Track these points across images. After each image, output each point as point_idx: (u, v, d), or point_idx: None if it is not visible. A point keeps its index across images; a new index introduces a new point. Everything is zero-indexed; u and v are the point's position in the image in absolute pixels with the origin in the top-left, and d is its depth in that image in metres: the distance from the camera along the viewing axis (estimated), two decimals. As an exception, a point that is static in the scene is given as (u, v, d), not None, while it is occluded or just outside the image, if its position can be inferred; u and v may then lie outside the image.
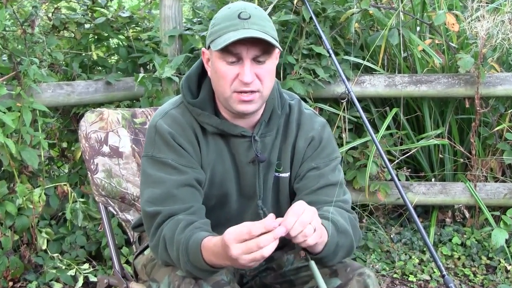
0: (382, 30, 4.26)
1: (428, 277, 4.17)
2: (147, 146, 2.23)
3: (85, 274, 3.89)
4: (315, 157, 2.30)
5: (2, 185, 3.87)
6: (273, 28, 2.11)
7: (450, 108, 4.48)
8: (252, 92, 2.09)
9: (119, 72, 4.52)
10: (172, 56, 4.35)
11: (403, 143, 4.53)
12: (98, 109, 2.91)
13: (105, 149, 2.81)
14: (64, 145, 4.63)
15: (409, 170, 4.51)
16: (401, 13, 4.27)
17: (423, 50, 4.41)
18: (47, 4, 4.38)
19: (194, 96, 2.25)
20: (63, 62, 4.52)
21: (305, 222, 1.82)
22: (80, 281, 3.86)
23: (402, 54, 4.49)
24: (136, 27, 4.81)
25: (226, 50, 2.04)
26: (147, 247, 2.48)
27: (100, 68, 4.72)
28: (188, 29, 4.53)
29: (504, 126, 4.30)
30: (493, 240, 4.10)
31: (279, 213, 2.23)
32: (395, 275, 4.21)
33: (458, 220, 4.63)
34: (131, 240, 2.89)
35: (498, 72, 4.24)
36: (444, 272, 3.00)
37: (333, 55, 3.76)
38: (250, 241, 1.75)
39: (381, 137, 4.28)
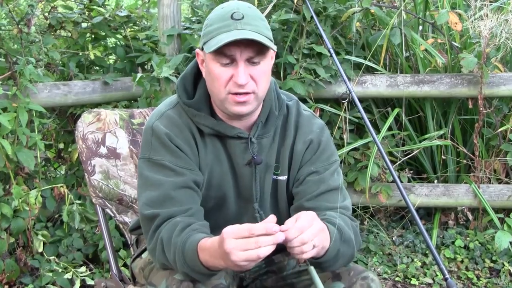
0: (384, 29, 4.23)
1: (430, 281, 4.13)
2: (144, 148, 2.21)
3: (82, 278, 3.86)
4: (314, 160, 2.28)
5: (-2, 187, 3.84)
6: (267, 28, 2.09)
7: (453, 109, 4.46)
8: (247, 93, 2.06)
9: (116, 72, 4.51)
10: (171, 55, 4.33)
11: (405, 144, 4.50)
12: (96, 109, 2.90)
13: (103, 150, 2.80)
14: (61, 146, 4.61)
15: (411, 171, 4.50)
16: (403, 12, 4.23)
17: (426, 50, 4.38)
18: (43, 3, 4.35)
19: (190, 97, 2.23)
20: (60, 62, 4.50)
21: (305, 240, 1.81)
22: (77, 285, 3.82)
23: (404, 54, 4.48)
24: (134, 26, 4.79)
25: (220, 52, 2.02)
26: (144, 250, 2.47)
27: (97, 68, 4.72)
28: (187, 28, 4.51)
29: (508, 127, 4.27)
30: (497, 242, 4.07)
31: (278, 217, 2.25)
32: (397, 278, 4.18)
33: (461, 223, 4.57)
34: (129, 242, 2.88)
35: (501, 72, 4.21)
36: (447, 275, 2.98)
37: (334, 55, 3.74)
38: (248, 238, 1.74)
39: (383, 138, 4.26)
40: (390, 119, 4.29)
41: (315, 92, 4.21)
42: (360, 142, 4.33)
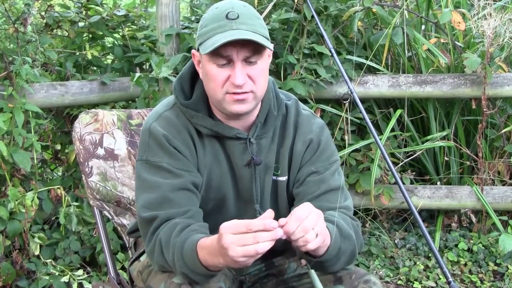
0: (386, 28, 4.23)
1: (433, 284, 4.11)
2: (141, 150, 2.20)
3: (79, 281, 3.84)
4: (315, 160, 2.26)
5: (-7, 188, 3.84)
6: (263, 26, 2.08)
7: (456, 109, 4.45)
8: (245, 92, 2.05)
9: (114, 72, 4.50)
10: (169, 55, 4.32)
11: (408, 145, 4.48)
12: (93, 110, 2.88)
13: (100, 151, 2.78)
14: (58, 147, 4.60)
15: (414, 173, 4.48)
16: (405, 11, 4.23)
17: (428, 50, 4.37)
18: (40, 1, 4.33)
19: (187, 97, 2.22)
20: (57, 62, 4.50)
21: (307, 228, 1.79)
22: (74, 288, 3.81)
23: (407, 54, 4.49)
24: (132, 26, 4.77)
25: (216, 53, 2.01)
26: (143, 253, 2.46)
27: (94, 68, 4.71)
28: (186, 27, 4.50)
29: (512, 127, 4.25)
30: (501, 245, 4.09)
31: (278, 217, 2.26)
32: (399, 282, 4.15)
33: (465, 225, 4.56)
34: (127, 245, 2.85)
35: (505, 72, 4.20)
36: (450, 279, 2.97)
37: (335, 55, 3.74)
38: (246, 234, 1.74)
39: (385, 139, 4.22)
40: (393, 120, 4.28)
41: (316, 92, 4.20)
42: (362, 143, 4.31)
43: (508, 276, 4.12)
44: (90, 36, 4.63)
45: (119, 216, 2.81)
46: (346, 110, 4.20)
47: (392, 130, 4.35)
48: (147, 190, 2.13)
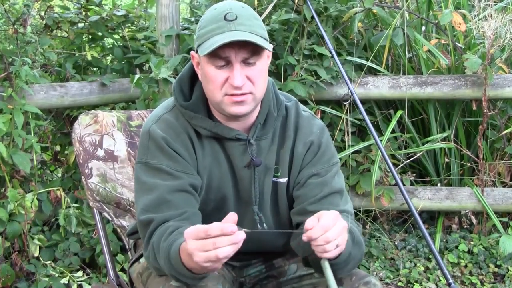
0: (386, 29, 4.22)
1: (434, 286, 4.10)
2: (141, 152, 2.20)
3: (79, 282, 3.83)
4: (315, 162, 2.25)
5: (-7, 190, 3.84)
6: (261, 27, 2.07)
7: (456, 111, 4.45)
8: (244, 94, 2.04)
9: (114, 73, 4.49)
10: (169, 56, 4.32)
11: (408, 146, 4.48)
12: (93, 111, 2.89)
13: (100, 152, 2.77)
14: (57, 148, 4.61)
15: (414, 174, 4.47)
16: (406, 12, 4.23)
17: (429, 51, 4.37)
18: (39, 2, 4.33)
19: (187, 99, 2.21)
20: (56, 63, 4.49)
21: (330, 239, 1.79)
22: (74, 290, 3.81)
23: (407, 55, 4.48)
24: (131, 27, 4.76)
25: (214, 54, 2.00)
26: (142, 254, 2.42)
27: (94, 69, 4.70)
28: (186, 28, 4.49)
29: (513, 129, 4.25)
30: (501, 247, 4.08)
31: (278, 219, 2.30)
32: (399, 283, 4.14)
33: (465, 227, 4.56)
34: (127, 247, 2.85)
35: (506, 73, 4.19)
36: (451, 280, 2.97)
37: (335, 56, 3.75)
38: (207, 239, 1.72)
39: (385, 140, 4.21)
40: (393, 122, 4.27)
41: (316, 93, 4.20)
42: (362, 145, 4.30)
43: (508, 277, 4.11)
44: (90, 37, 4.63)
45: (119, 217, 2.80)
46: (347, 111, 4.20)
47: (393, 131, 4.35)
48: (146, 192, 2.12)
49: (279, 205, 2.29)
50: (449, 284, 2.95)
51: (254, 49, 2.00)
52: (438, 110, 4.44)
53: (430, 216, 4.67)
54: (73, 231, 3.87)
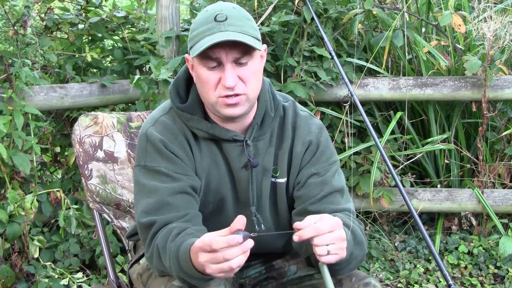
0: (386, 31, 4.21)
1: (433, 287, 4.10)
2: (139, 155, 2.21)
3: (79, 284, 3.82)
4: (315, 162, 2.25)
5: (-7, 191, 3.83)
6: (253, 27, 2.07)
7: (456, 112, 4.44)
8: (237, 94, 2.04)
9: (114, 75, 4.48)
10: (169, 58, 4.30)
11: (408, 148, 4.47)
12: (93, 112, 2.88)
13: (100, 154, 2.77)
14: (57, 149, 4.61)
15: (414, 176, 4.46)
16: (405, 14, 4.22)
17: (429, 52, 4.37)
18: (39, 4, 4.32)
19: (183, 101, 2.22)
20: (56, 64, 4.49)
21: (318, 243, 1.81)
22: (74, 291, 3.80)
23: (407, 56, 4.47)
24: (131, 28, 4.76)
25: (205, 56, 2.01)
26: (142, 255, 2.45)
27: (94, 70, 4.70)
28: (186, 30, 4.48)
29: (513, 130, 4.25)
30: (501, 248, 4.08)
31: (278, 220, 2.30)
32: (399, 285, 4.14)
33: (465, 228, 4.55)
34: (126, 248, 2.85)
35: (506, 74, 4.18)
36: (451, 282, 2.96)
37: (335, 57, 3.74)
38: (216, 252, 1.75)
39: (385, 142, 4.22)
40: (393, 123, 4.26)
41: (316, 95, 4.19)
42: (362, 146, 4.29)
43: (508, 279, 4.10)
44: (90, 38, 4.63)
45: (119, 219, 2.80)
46: (347, 113, 4.18)
47: (393, 132, 4.34)
48: (146, 195, 2.13)
49: (278, 206, 2.29)
50: (449, 286, 2.94)
51: (245, 49, 2.01)
52: (438, 112, 4.43)
53: (430, 218, 4.66)
54: (73, 232, 3.87)
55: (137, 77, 3.99)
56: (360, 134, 4.53)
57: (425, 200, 4.32)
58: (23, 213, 3.75)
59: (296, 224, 1.80)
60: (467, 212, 4.42)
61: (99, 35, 4.56)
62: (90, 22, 4.44)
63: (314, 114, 3.77)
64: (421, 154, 4.41)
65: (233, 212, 2.26)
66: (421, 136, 4.57)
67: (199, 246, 1.77)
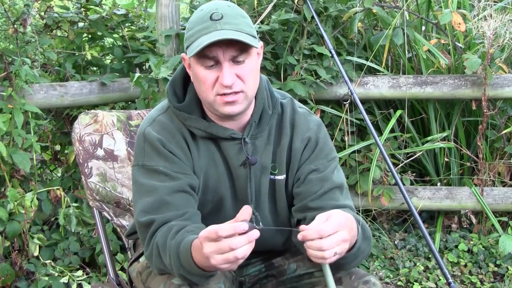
0: (386, 29, 4.21)
1: (433, 285, 4.09)
2: (137, 155, 2.22)
3: (79, 282, 3.81)
4: (314, 159, 2.26)
5: (-7, 189, 3.83)
6: (249, 25, 2.07)
7: (456, 110, 4.44)
8: (235, 92, 2.05)
9: (114, 73, 4.47)
10: (169, 56, 4.29)
11: (408, 146, 4.47)
12: (93, 110, 2.89)
13: (100, 152, 2.78)
14: (57, 148, 4.60)
15: (414, 174, 4.47)
16: (405, 12, 4.22)
17: (429, 51, 4.36)
18: (39, 2, 4.32)
19: (180, 100, 2.23)
20: (56, 62, 4.48)
21: (324, 247, 1.80)
22: (73, 289, 3.79)
23: (407, 55, 4.47)
24: (131, 26, 4.75)
25: (202, 55, 2.01)
26: (142, 254, 2.44)
27: (94, 68, 4.69)
28: (185, 28, 4.43)
29: (513, 129, 4.24)
30: (501, 246, 4.09)
31: (276, 217, 2.31)
32: (399, 283, 4.14)
33: (465, 226, 4.55)
34: (126, 246, 2.86)
35: (506, 73, 4.18)
36: (450, 280, 2.96)
37: (335, 56, 3.74)
38: (222, 241, 1.73)
39: (385, 140, 4.23)
40: (393, 121, 4.26)
41: (316, 93, 4.19)
42: (362, 144, 4.29)
43: (508, 277, 4.10)
44: (90, 36, 4.62)
45: (119, 217, 2.80)
46: (346, 111, 4.18)
47: (393, 131, 4.35)
48: (144, 194, 2.13)
49: (277, 203, 2.30)
50: (448, 284, 2.94)
51: (241, 47, 2.01)
52: (438, 110, 4.43)
53: (430, 216, 4.67)
54: (73, 231, 3.86)
55: (137, 75, 3.99)
56: (360, 133, 4.52)
57: (425, 198, 4.31)
58: (23, 211, 3.74)
59: (302, 226, 1.80)
60: (467, 210, 4.42)
61: (99, 33, 4.54)
62: (90, 20, 4.43)
63: (314, 113, 3.79)
64: (421, 152, 4.42)
65: (232, 211, 2.26)
66: (421, 135, 4.57)
67: (204, 235, 1.76)
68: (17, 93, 3.77)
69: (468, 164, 4.43)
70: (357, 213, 2.20)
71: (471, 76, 4.14)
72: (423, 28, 4.64)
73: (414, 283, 4.10)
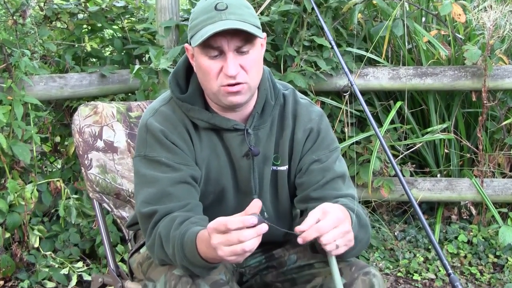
0: (386, 20, 4.21)
1: (433, 276, 4.10)
2: (139, 146, 2.21)
3: (79, 273, 3.83)
4: (316, 149, 2.26)
5: (-7, 181, 3.83)
6: (253, 15, 2.07)
7: (456, 102, 4.43)
8: (239, 83, 2.04)
9: (113, 65, 4.47)
10: (169, 47, 4.28)
11: (408, 137, 4.47)
12: (92, 102, 2.88)
13: (100, 143, 2.78)
14: (57, 139, 4.59)
15: (414, 165, 4.47)
16: (405, 3, 4.21)
17: (429, 42, 4.37)
18: (39, -7, 4.29)
19: (183, 91, 2.22)
20: (56, 54, 4.47)
21: (324, 242, 1.80)
22: (74, 280, 3.79)
23: (407, 46, 4.46)
24: (131, 18, 4.74)
25: (207, 45, 2.00)
26: (142, 245, 2.46)
27: (94, 60, 4.68)
28: (185, 19, 4.46)
29: (513, 120, 4.24)
30: (501, 237, 4.10)
31: (278, 208, 2.32)
32: (399, 274, 4.14)
33: (465, 217, 4.55)
34: (126, 237, 2.85)
35: (506, 64, 4.18)
36: (450, 271, 2.95)
37: (335, 47, 3.70)
38: (231, 233, 1.72)
39: (385, 131, 4.22)
40: (393, 112, 4.26)
41: (316, 84, 4.18)
42: (362, 136, 4.29)
43: (507, 268, 4.10)
44: (89, 28, 4.61)
45: (119, 208, 2.81)
46: (346, 103, 4.18)
47: (392, 122, 4.35)
48: (146, 185, 2.13)
49: (279, 194, 2.30)
50: (448, 275, 2.93)
51: (246, 38, 2.00)
52: (438, 101, 4.42)
53: (430, 207, 4.67)
54: (73, 222, 3.87)
55: (137, 67, 3.97)
56: (360, 124, 4.52)
57: (424, 189, 4.31)
58: (23, 203, 3.75)
59: (298, 228, 1.78)
60: (466, 202, 4.41)
61: (99, 25, 4.53)
62: (90, 12, 4.42)
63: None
64: (420, 144, 4.41)
65: (233, 202, 2.28)
66: (421, 126, 4.57)
67: (213, 227, 1.75)
68: (16, 85, 3.77)
69: (468, 155, 4.42)
70: (359, 202, 2.21)
71: (471, 67, 4.13)
72: (423, 19, 4.64)
73: (414, 274, 4.10)
